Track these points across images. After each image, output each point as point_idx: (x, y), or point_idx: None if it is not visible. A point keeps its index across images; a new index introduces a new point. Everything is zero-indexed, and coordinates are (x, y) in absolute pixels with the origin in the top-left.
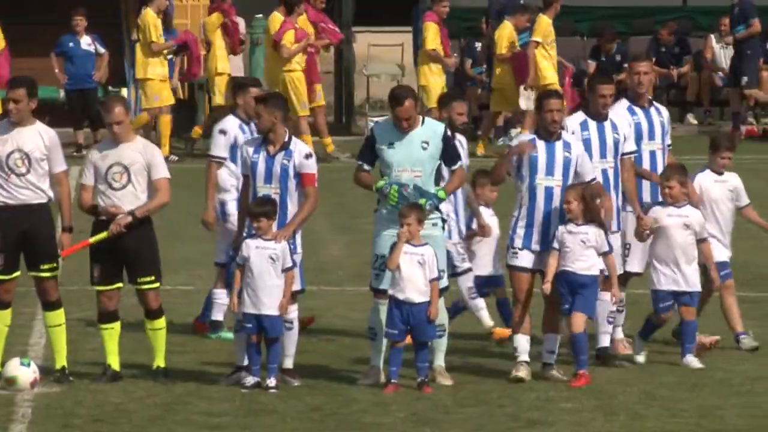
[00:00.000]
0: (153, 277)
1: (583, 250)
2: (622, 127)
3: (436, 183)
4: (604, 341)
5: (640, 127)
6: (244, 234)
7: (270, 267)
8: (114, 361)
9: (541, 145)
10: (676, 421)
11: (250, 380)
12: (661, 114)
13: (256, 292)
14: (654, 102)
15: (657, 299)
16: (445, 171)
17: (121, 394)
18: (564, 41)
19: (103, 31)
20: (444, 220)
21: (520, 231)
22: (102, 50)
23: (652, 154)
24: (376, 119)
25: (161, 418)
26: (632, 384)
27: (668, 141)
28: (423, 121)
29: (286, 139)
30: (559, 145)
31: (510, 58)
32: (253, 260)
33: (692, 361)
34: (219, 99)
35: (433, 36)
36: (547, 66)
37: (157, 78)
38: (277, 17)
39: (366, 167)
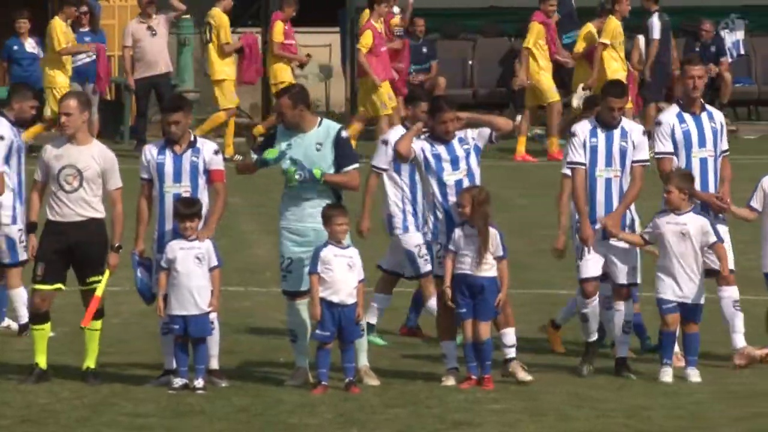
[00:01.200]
0: (98, 278)
1: (477, 253)
2: (633, 134)
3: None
4: (622, 351)
5: (689, 134)
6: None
7: (196, 267)
8: (42, 361)
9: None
10: (604, 422)
11: (178, 382)
12: (713, 119)
13: (183, 293)
14: (707, 106)
15: (659, 306)
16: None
17: (49, 395)
18: (491, 42)
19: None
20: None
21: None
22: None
23: (703, 161)
24: None
25: (88, 419)
26: (560, 385)
27: (724, 146)
28: (320, 123)
29: (192, 138)
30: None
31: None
32: (179, 261)
33: (692, 374)
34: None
35: (535, 36)
36: (617, 68)
37: (231, 78)
38: (365, 15)
39: (253, 155)
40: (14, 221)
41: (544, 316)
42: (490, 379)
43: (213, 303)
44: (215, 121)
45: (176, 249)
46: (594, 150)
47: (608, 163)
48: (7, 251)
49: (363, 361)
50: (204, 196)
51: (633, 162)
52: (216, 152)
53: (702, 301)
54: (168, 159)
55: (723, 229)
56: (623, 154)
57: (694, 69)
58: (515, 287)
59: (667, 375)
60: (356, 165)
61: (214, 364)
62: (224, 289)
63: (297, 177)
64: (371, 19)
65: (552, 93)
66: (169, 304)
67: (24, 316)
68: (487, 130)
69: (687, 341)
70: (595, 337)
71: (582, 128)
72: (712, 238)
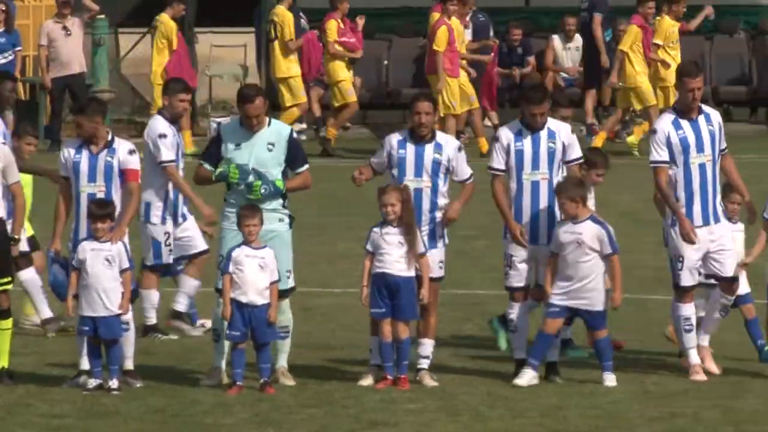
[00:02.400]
0: (9, 279)
1: (400, 251)
2: (561, 135)
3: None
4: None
5: (686, 140)
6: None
7: (106, 269)
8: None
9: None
10: (519, 422)
11: (92, 382)
12: (710, 121)
13: (92, 294)
14: (703, 108)
15: (546, 308)
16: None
17: None
18: (406, 42)
19: None
20: (292, 217)
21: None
22: None
23: (702, 167)
24: (218, 120)
25: (2, 420)
26: (476, 384)
27: (723, 145)
28: (269, 123)
29: (109, 138)
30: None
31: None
32: (89, 262)
33: (608, 378)
34: (333, 101)
35: (633, 39)
36: (671, 70)
37: (296, 75)
38: (435, 15)
39: (207, 166)
40: (164, 221)
41: (462, 315)
42: (406, 380)
43: (123, 305)
44: (289, 118)
45: (87, 250)
46: (520, 154)
47: (535, 166)
48: (150, 252)
49: (282, 362)
50: (119, 196)
51: (567, 162)
52: (131, 152)
53: (602, 308)
54: (84, 158)
55: (738, 234)
56: (551, 156)
57: (694, 81)
58: None
59: (522, 376)
60: (307, 165)
61: (129, 364)
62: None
63: (262, 191)
64: (444, 17)
65: (651, 96)
66: (80, 305)
67: (152, 318)
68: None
69: (598, 348)
70: (521, 355)
71: (506, 133)
72: (608, 249)
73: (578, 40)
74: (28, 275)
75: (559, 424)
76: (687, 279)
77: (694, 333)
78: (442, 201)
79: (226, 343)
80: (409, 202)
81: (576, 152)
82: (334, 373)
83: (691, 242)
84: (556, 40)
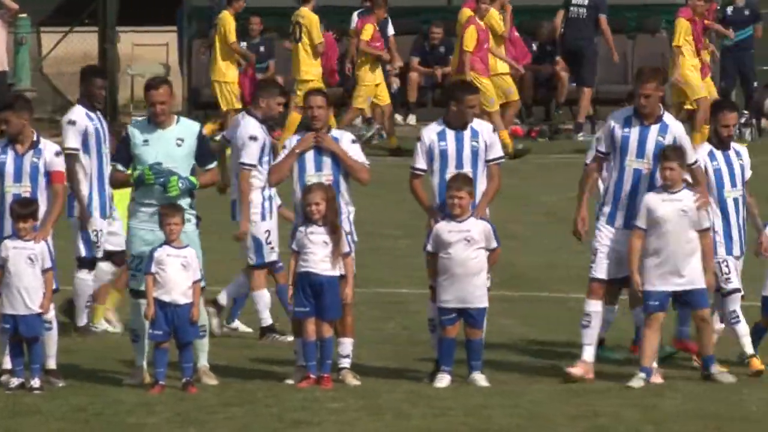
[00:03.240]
0: None
1: (325, 250)
2: (484, 134)
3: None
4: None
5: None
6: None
7: (28, 267)
8: None
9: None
10: (442, 420)
11: (14, 381)
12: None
13: (13, 292)
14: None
15: (439, 312)
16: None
17: None
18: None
19: None
20: (199, 218)
21: None
22: None
23: (735, 202)
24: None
25: None
26: (398, 383)
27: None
28: (178, 120)
29: (35, 138)
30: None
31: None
32: (11, 261)
33: (478, 379)
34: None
35: (684, 33)
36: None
37: (316, 78)
38: (465, 13)
39: (120, 167)
40: (263, 218)
41: (384, 314)
42: (329, 379)
43: (44, 305)
44: (293, 123)
45: (9, 248)
46: (444, 153)
47: (459, 165)
48: (252, 251)
49: (202, 361)
50: (44, 197)
51: (488, 161)
52: (57, 154)
53: (482, 305)
54: (9, 159)
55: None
56: (475, 154)
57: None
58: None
59: (440, 381)
60: (216, 162)
61: (52, 363)
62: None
63: (180, 185)
64: (476, 16)
65: (698, 90)
66: (2, 303)
67: (266, 319)
68: None
69: (471, 347)
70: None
71: (428, 133)
72: (494, 244)
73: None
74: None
75: (482, 423)
76: (598, 272)
77: (592, 330)
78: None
79: (147, 342)
80: (334, 201)
81: (497, 152)
82: (256, 372)
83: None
84: None
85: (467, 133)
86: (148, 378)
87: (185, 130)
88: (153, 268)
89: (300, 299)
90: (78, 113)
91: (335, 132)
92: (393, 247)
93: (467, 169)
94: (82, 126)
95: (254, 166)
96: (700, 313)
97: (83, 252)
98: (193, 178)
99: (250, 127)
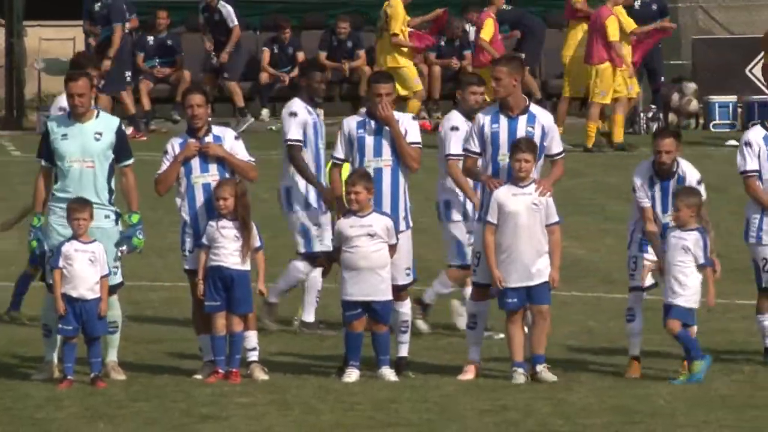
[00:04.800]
0: None
1: (235, 245)
2: (403, 121)
3: (109, 179)
4: (401, 351)
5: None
6: None
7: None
8: None
9: None
10: (351, 415)
11: None
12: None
13: None
14: None
15: (343, 309)
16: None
17: None
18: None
19: None
20: (118, 214)
21: None
22: None
23: None
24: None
25: None
26: (307, 378)
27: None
28: (98, 114)
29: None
30: None
31: None
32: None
33: (387, 373)
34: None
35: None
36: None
37: (407, 65)
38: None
39: (44, 163)
40: (464, 218)
41: (289, 309)
42: (237, 373)
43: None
44: (413, 109)
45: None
46: (361, 141)
47: (377, 153)
48: (454, 251)
49: (111, 356)
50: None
51: (446, 155)
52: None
53: (387, 299)
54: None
55: None
56: (393, 142)
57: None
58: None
59: (349, 376)
60: (133, 159)
61: None
62: None
63: (139, 236)
64: (490, 9)
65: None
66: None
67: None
68: None
69: (377, 341)
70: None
71: (349, 123)
72: (394, 240)
73: None
74: (313, 274)
75: (390, 418)
76: (479, 277)
77: (478, 332)
78: None
79: (58, 337)
80: (244, 197)
81: (414, 136)
82: (164, 367)
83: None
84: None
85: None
86: (57, 373)
87: (104, 124)
88: (60, 263)
89: (211, 293)
90: (298, 106)
91: (216, 130)
92: None
93: (386, 157)
94: (302, 118)
95: (451, 155)
96: (537, 308)
97: (304, 247)
98: (135, 217)
99: (453, 118)
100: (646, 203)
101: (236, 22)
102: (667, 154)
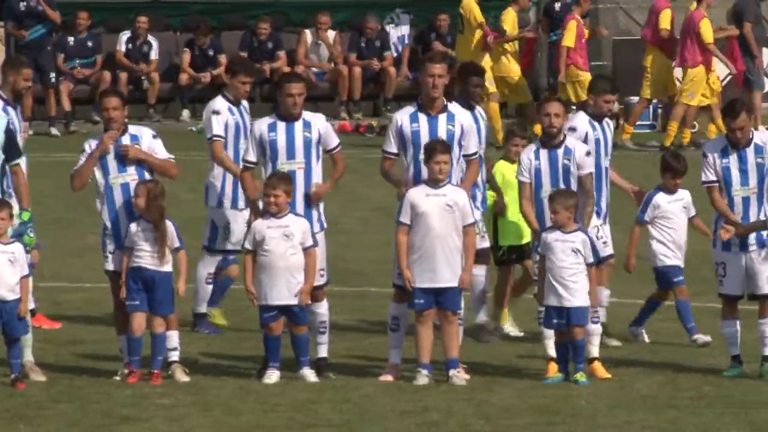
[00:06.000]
0: None
1: (155, 246)
2: (317, 124)
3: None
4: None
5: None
6: None
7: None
8: None
9: None
10: (271, 416)
11: None
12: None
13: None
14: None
15: (261, 314)
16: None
17: None
18: (157, 36)
19: None
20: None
21: None
22: None
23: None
24: None
25: None
26: (227, 379)
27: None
28: None
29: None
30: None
31: None
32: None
33: (308, 374)
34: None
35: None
36: None
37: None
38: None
39: None
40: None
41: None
42: (158, 375)
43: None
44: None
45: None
46: (274, 144)
47: (290, 155)
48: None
49: (27, 356)
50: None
51: (327, 151)
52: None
53: (296, 302)
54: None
55: None
56: (307, 145)
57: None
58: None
59: (269, 377)
60: (23, 158)
61: None
62: None
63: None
64: (576, 13)
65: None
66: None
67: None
68: None
69: (296, 343)
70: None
71: (259, 126)
72: (310, 242)
73: (331, 34)
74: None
75: (310, 419)
76: (397, 279)
77: (399, 334)
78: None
79: None
80: (157, 198)
81: (334, 141)
82: (85, 368)
83: None
84: (308, 34)
85: (299, 125)
86: None
87: None
88: None
89: (131, 293)
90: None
91: (133, 129)
92: None
93: (299, 159)
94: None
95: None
96: (443, 313)
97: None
98: (25, 215)
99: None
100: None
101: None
102: (556, 117)
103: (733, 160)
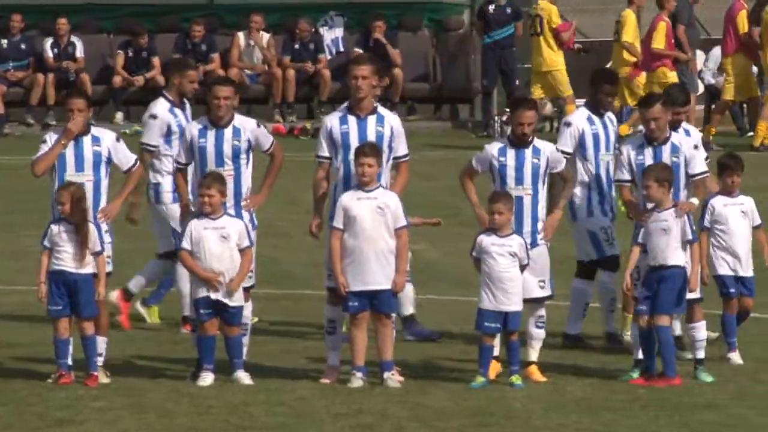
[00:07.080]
0: None
1: (76, 249)
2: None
3: None
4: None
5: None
6: None
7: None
8: None
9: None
10: (206, 418)
11: None
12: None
13: None
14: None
15: (196, 310)
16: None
17: None
18: (90, 39)
19: None
20: None
21: None
22: None
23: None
24: None
25: None
26: (161, 381)
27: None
28: None
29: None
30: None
31: None
32: None
33: (243, 377)
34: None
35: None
36: None
37: (563, 67)
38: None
39: None
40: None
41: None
42: (96, 377)
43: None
44: (570, 111)
45: None
46: (203, 150)
47: (219, 162)
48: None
49: None
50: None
51: (265, 152)
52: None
53: (239, 304)
54: None
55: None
56: (236, 150)
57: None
58: (114, 284)
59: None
60: None
61: None
62: None
63: None
64: (662, 13)
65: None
66: None
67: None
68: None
69: (229, 345)
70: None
71: (190, 129)
72: (246, 242)
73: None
74: (578, 286)
75: (245, 421)
76: (327, 281)
77: (336, 336)
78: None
79: None
80: (81, 201)
81: (267, 141)
82: (19, 371)
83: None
84: (241, 37)
85: (228, 131)
86: None
87: None
88: None
89: (53, 297)
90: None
91: (96, 131)
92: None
93: (228, 167)
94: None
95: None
96: (376, 315)
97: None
98: None
99: None
100: None
101: None
102: (529, 126)
103: (648, 156)
